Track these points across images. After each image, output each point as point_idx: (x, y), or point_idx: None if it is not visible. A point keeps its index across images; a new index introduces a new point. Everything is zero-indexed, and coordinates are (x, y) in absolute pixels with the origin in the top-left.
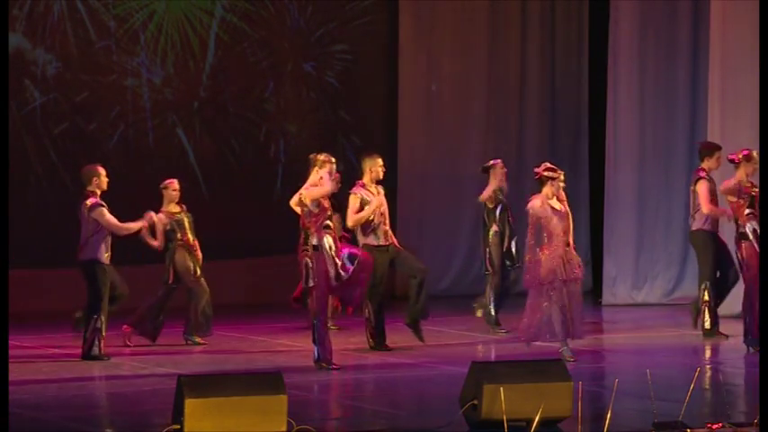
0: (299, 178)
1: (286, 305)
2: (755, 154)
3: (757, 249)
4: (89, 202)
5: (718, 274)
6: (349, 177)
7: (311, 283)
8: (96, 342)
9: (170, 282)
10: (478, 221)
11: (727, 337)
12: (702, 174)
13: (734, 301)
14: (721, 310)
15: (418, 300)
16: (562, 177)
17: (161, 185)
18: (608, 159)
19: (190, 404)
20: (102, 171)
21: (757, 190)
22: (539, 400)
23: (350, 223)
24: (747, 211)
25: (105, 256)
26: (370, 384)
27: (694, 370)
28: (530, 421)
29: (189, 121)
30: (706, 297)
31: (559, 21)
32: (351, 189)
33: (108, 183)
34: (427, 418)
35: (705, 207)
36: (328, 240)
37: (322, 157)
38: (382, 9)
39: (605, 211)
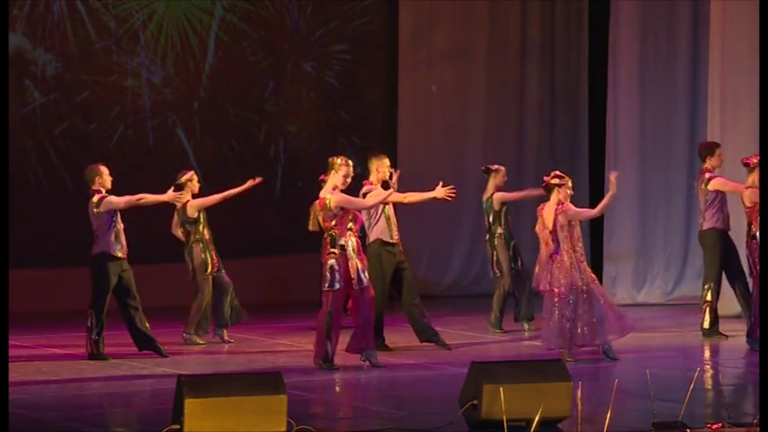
0: (299, 178)
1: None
2: None
3: None
4: (95, 198)
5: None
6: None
7: (336, 286)
8: (88, 340)
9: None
10: (478, 221)
11: (726, 337)
12: (709, 173)
13: (734, 301)
14: (721, 310)
15: (424, 317)
16: (570, 184)
17: (181, 179)
18: (608, 159)
19: (190, 404)
20: (105, 170)
21: None
22: (538, 400)
23: (370, 202)
24: None
25: (117, 248)
26: (370, 384)
27: (694, 370)
28: (529, 421)
29: (189, 122)
30: (709, 297)
31: (559, 21)
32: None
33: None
34: (427, 418)
35: (742, 190)
36: (352, 242)
37: (339, 160)
38: (382, 9)
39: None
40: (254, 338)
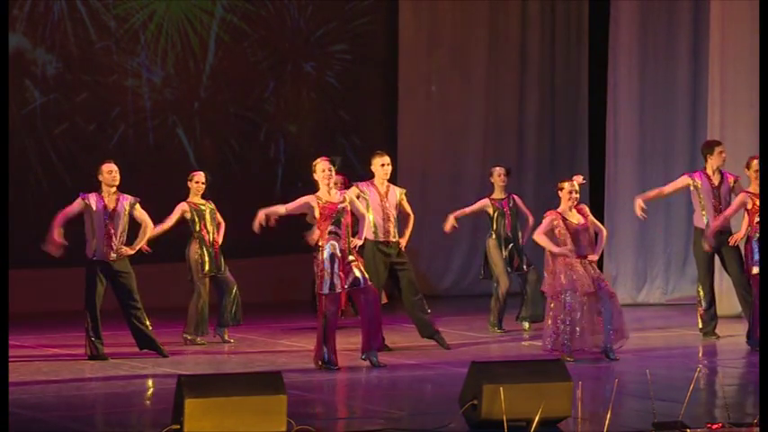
0: (299, 178)
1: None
2: None
3: None
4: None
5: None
6: (349, 177)
7: (326, 291)
8: (87, 341)
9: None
10: (478, 221)
11: (718, 336)
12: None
13: (734, 301)
14: (721, 310)
15: (426, 313)
16: (569, 187)
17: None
18: (608, 159)
19: (190, 404)
20: (105, 167)
21: None
22: (539, 400)
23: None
24: None
25: (92, 252)
26: (370, 384)
27: (694, 370)
28: (530, 421)
29: (189, 122)
30: (699, 296)
31: (559, 21)
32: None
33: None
34: (427, 418)
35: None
36: (333, 246)
37: (317, 160)
38: (382, 9)
39: (605, 211)
40: (254, 338)
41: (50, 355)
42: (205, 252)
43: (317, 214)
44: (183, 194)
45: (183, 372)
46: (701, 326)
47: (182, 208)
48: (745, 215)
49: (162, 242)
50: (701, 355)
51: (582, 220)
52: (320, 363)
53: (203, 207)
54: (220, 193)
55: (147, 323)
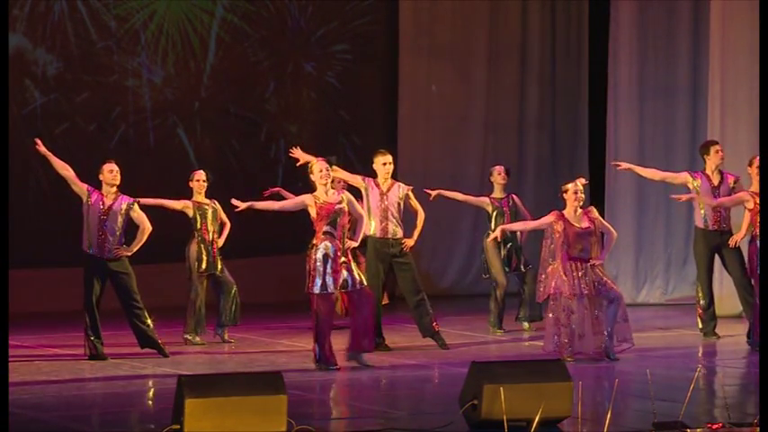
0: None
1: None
2: None
3: None
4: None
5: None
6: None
7: (316, 290)
8: (86, 341)
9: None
10: (478, 221)
11: (718, 336)
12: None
13: (734, 301)
14: (721, 310)
15: (427, 312)
16: (573, 188)
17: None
18: (608, 159)
19: (190, 404)
20: (106, 167)
21: None
22: (539, 400)
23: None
24: None
25: (86, 245)
26: (370, 384)
27: (694, 370)
28: (530, 421)
29: (189, 122)
30: (698, 296)
31: (559, 21)
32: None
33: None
34: (427, 418)
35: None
36: (326, 246)
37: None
38: (382, 9)
39: (605, 211)
40: (254, 338)
41: (50, 355)
42: (203, 251)
43: (313, 214)
44: (183, 194)
45: (184, 372)
46: (700, 326)
47: (185, 203)
48: (746, 215)
49: (162, 242)
50: (700, 355)
51: (586, 224)
52: (317, 363)
53: (206, 206)
54: (220, 194)
55: (149, 322)
